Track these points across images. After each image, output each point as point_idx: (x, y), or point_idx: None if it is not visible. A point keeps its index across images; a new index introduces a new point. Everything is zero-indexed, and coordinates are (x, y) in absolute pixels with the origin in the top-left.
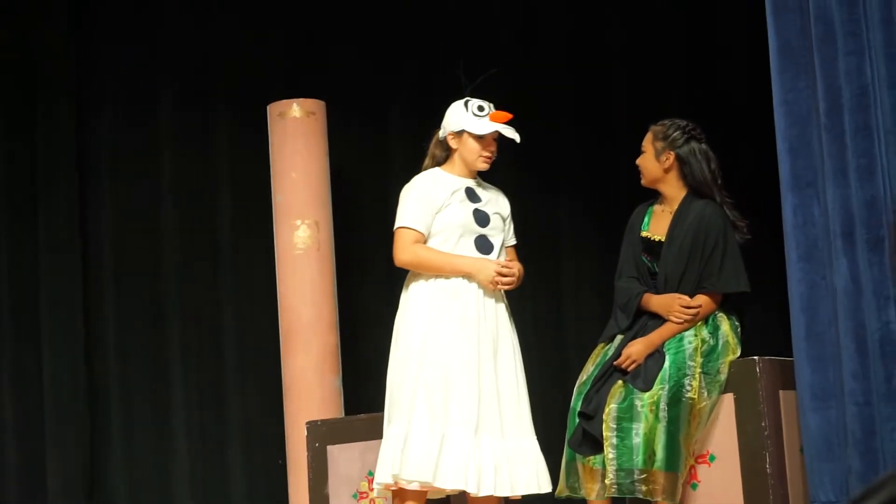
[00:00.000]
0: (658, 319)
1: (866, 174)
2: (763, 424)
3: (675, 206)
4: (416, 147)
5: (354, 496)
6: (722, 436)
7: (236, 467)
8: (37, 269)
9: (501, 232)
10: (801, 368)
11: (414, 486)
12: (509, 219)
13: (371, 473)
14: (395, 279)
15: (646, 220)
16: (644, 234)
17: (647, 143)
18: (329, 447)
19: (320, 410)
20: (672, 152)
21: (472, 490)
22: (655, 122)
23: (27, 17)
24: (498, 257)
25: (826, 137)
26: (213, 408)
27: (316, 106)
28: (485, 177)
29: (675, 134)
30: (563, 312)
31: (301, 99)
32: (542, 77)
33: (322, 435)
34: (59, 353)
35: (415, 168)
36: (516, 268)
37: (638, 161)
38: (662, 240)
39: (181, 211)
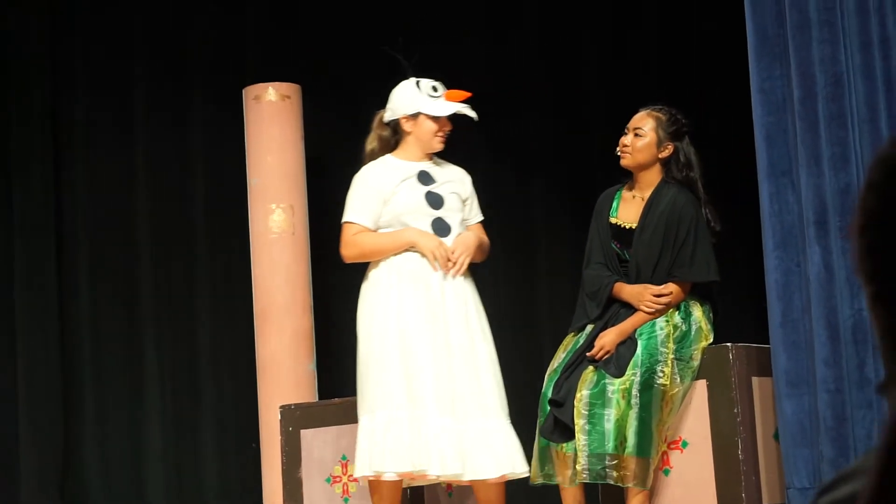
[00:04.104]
0: (630, 308)
1: (840, 162)
2: (736, 411)
3: (648, 194)
4: None
5: (328, 480)
6: (694, 422)
7: (209, 451)
8: (11, 252)
9: (460, 212)
10: (776, 355)
11: (391, 477)
12: (472, 196)
13: (345, 458)
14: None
15: (614, 205)
16: (613, 220)
17: (650, 130)
18: (303, 431)
19: (294, 394)
20: (672, 144)
21: (458, 471)
22: (653, 106)
23: None
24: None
25: (801, 125)
26: (187, 391)
27: (291, 90)
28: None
29: (676, 126)
30: (537, 299)
31: (276, 83)
32: (515, 65)
33: (296, 419)
34: (33, 337)
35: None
36: (460, 254)
37: (630, 142)
38: (633, 227)
39: (156, 194)
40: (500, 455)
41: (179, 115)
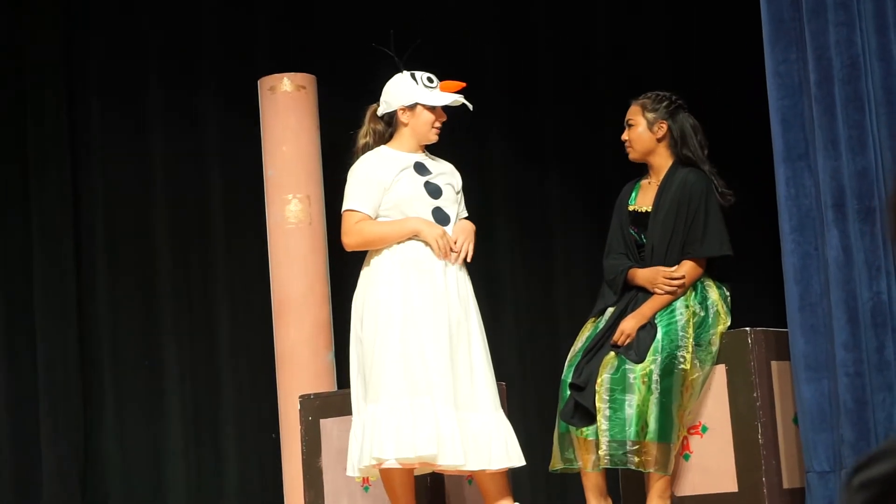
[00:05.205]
0: (648, 292)
1: (857, 145)
2: (755, 395)
3: (662, 177)
4: None
5: None
6: (714, 407)
7: (230, 442)
8: (30, 252)
9: (455, 203)
10: (794, 339)
11: (392, 465)
12: (461, 192)
13: None
14: None
15: (633, 195)
16: (631, 207)
17: (636, 116)
18: (322, 420)
19: (313, 384)
20: (664, 121)
21: (460, 462)
22: (636, 97)
23: (15, 1)
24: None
25: (817, 109)
26: (207, 383)
27: (306, 80)
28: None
29: (663, 104)
30: (555, 288)
31: (292, 73)
32: (527, 58)
33: (315, 408)
34: (53, 336)
35: None
36: (463, 243)
37: (625, 136)
38: (649, 210)
39: (173, 188)
40: (496, 447)
41: (194, 109)
